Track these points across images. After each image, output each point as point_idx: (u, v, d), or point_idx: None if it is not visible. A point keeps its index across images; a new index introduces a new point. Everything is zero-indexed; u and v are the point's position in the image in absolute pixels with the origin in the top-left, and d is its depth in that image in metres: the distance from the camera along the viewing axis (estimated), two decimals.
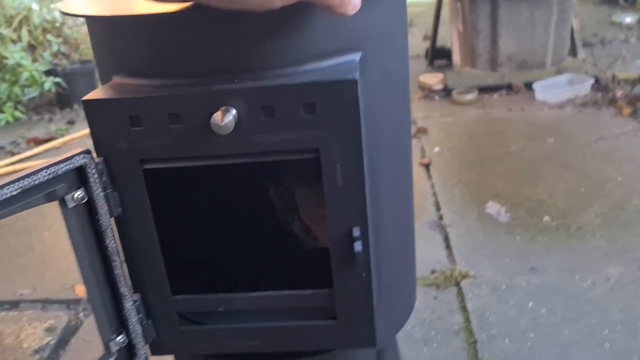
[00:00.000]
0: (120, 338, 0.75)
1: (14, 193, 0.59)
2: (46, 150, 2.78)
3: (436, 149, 2.33)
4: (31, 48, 3.60)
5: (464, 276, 1.48)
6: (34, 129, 3.19)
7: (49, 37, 3.62)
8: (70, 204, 0.66)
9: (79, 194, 0.66)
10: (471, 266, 1.53)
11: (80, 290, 1.59)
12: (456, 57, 3.05)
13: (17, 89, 3.36)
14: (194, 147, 0.68)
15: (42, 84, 3.35)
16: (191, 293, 0.79)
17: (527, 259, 1.54)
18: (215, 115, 0.64)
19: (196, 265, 0.82)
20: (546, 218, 1.74)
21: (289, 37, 0.67)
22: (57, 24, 3.73)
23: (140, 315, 0.76)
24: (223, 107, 0.65)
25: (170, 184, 0.76)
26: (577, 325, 1.26)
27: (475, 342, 1.25)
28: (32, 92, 3.50)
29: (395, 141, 0.81)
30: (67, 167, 0.64)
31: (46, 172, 0.62)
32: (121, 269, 0.73)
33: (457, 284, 1.46)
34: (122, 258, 0.74)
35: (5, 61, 3.34)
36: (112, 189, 0.70)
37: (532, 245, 1.61)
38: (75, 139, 2.90)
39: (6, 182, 0.59)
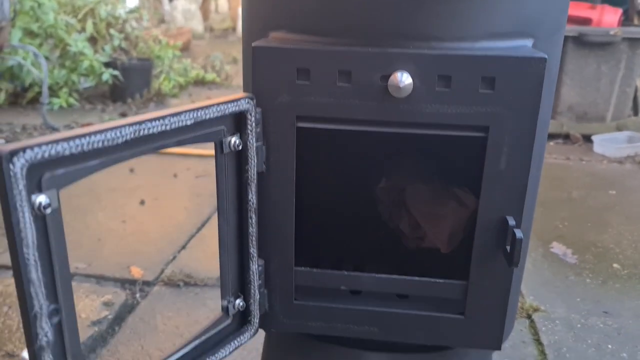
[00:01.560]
0: (239, 302, 0.71)
1: (189, 123, 0.57)
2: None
3: None
4: (93, 40, 3.66)
5: (535, 309, 1.43)
6: (86, 116, 3.22)
7: (112, 31, 3.68)
8: (226, 150, 0.64)
9: (235, 140, 0.64)
10: (541, 301, 1.47)
11: (136, 272, 1.56)
12: None
13: (75, 76, 3.41)
14: (359, 110, 0.65)
15: (100, 75, 3.39)
16: (309, 266, 0.75)
17: (599, 302, 1.48)
18: (393, 75, 0.62)
19: (319, 239, 0.79)
20: (616, 265, 1.69)
21: (468, 12, 0.65)
22: (121, 21, 3.80)
23: (260, 281, 0.73)
24: (399, 70, 0.63)
25: (315, 147, 0.73)
26: None
27: None
28: (89, 82, 3.55)
29: (539, 139, 0.78)
30: (233, 108, 0.62)
31: (216, 108, 0.60)
32: (254, 229, 0.70)
33: (529, 317, 1.40)
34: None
35: (68, 48, 3.40)
36: (262, 142, 0.68)
37: (603, 289, 1.55)
38: None
39: (182, 110, 0.57)
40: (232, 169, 0.66)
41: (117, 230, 1.83)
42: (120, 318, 1.36)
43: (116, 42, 3.63)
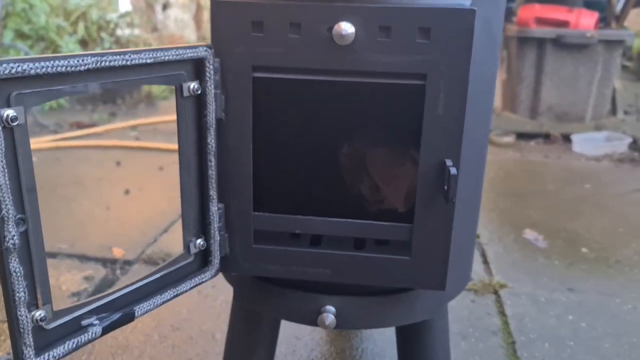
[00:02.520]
0: (200, 241, 0.77)
1: (149, 61, 0.63)
2: (89, 134, 2.84)
3: None
4: (84, 43, 3.73)
5: (502, 286, 1.48)
6: (76, 116, 3.27)
7: (103, 34, 3.75)
8: (186, 93, 0.69)
9: (194, 85, 0.69)
10: (509, 280, 1.52)
11: (118, 252, 1.61)
12: (497, 102, 3.11)
13: None
14: (308, 59, 0.71)
15: None
16: (268, 211, 0.80)
17: (565, 281, 1.53)
18: (337, 25, 0.68)
19: (276, 185, 0.84)
20: (584, 249, 1.74)
21: None
22: (112, 24, 3.87)
23: (220, 224, 0.78)
24: (344, 21, 0.69)
25: (271, 96, 0.79)
26: (619, 341, 1.25)
27: (513, 342, 1.24)
28: None
29: (483, 92, 0.84)
30: (191, 53, 0.68)
31: (175, 51, 0.66)
32: (214, 172, 0.75)
33: (495, 292, 1.46)
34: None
35: (59, 50, 3.46)
36: (221, 91, 0.73)
37: (570, 270, 1.60)
38: (118, 128, 2.97)
39: (142, 49, 0.62)
40: (192, 113, 0.72)
41: (101, 216, 1.88)
42: (100, 291, 1.40)
43: (107, 45, 3.69)
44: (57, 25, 3.52)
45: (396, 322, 0.88)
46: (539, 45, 2.91)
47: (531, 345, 1.23)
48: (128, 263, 1.56)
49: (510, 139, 2.92)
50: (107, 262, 1.56)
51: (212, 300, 1.37)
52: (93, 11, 3.77)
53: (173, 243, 1.68)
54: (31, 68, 0.52)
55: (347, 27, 0.68)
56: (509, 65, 3.13)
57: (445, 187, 0.71)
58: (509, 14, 3.47)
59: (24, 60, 0.52)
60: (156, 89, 3.88)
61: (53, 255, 1.57)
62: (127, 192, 2.10)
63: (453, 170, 0.69)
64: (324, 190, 0.84)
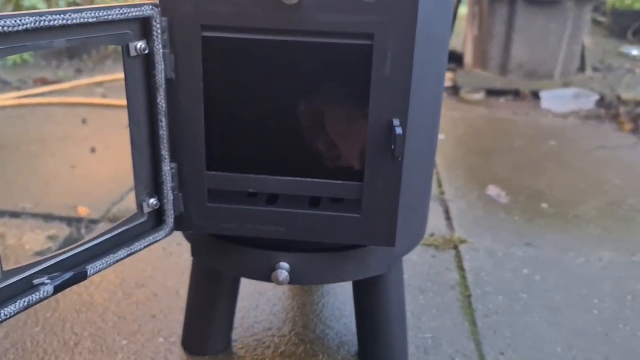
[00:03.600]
0: (152, 200, 0.77)
1: (91, 20, 0.62)
2: (53, 91, 2.78)
3: (441, 136, 2.37)
4: None
5: (462, 241, 1.52)
6: (41, 72, 3.19)
7: None
8: (133, 53, 0.69)
9: (141, 44, 0.69)
10: (469, 235, 1.57)
11: (83, 211, 1.61)
12: (468, 58, 3.11)
13: None
14: (257, 18, 0.71)
15: None
16: (222, 171, 0.81)
17: (523, 236, 1.58)
18: None
19: (230, 145, 0.85)
20: (544, 205, 1.79)
21: None
22: None
23: (173, 183, 0.79)
24: None
25: (221, 56, 0.78)
26: (569, 292, 1.31)
27: (469, 295, 1.29)
28: None
29: (435, 54, 0.85)
30: (136, 12, 0.67)
31: (119, 10, 0.65)
32: (165, 132, 0.75)
33: (455, 247, 1.50)
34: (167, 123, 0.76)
35: (20, 2, 3.34)
36: (170, 50, 0.73)
37: (529, 225, 1.65)
38: (83, 84, 2.91)
39: (84, 8, 0.61)
40: (141, 72, 0.71)
41: (66, 174, 1.86)
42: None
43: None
44: None
45: (349, 277, 0.90)
46: (510, 1, 2.90)
47: (486, 298, 1.28)
48: (93, 222, 1.56)
49: (479, 95, 2.94)
50: (72, 220, 1.56)
51: (176, 257, 1.39)
52: None
53: None
54: None
55: None
56: (480, 22, 3.12)
57: (392, 147, 0.73)
58: None
59: None
60: None
61: (17, 214, 1.56)
62: (93, 150, 2.08)
63: (399, 130, 0.71)
64: (278, 148, 0.85)
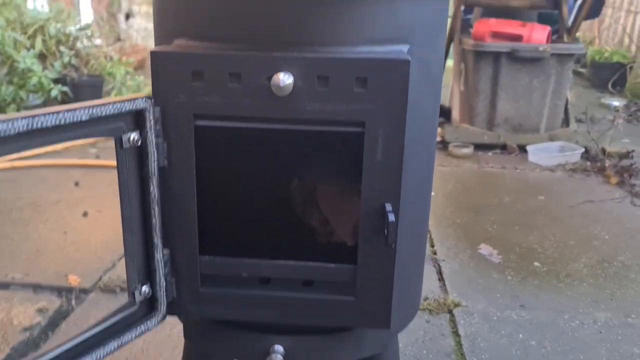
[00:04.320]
0: (145, 288, 0.77)
1: (84, 118, 0.63)
2: (46, 153, 2.79)
3: (432, 193, 2.39)
4: (43, 57, 3.65)
5: (457, 305, 1.51)
6: None
7: (62, 48, 3.68)
8: (126, 145, 0.69)
9: (134, 136, 0.70)
10: (463, 297, 1.56)
11: (74, 280, 1.59)
12: (455, 114, 3.17)
13: (23, 93, 3.40)
14: (249, 108, 0.72)
15: (49, 91, 3.39)
16: (215, 255, 0.81)
17: (517, 297, 1.57)
18: (275, 75, 0.69)
19: (222, 229, 0.85)
20: (536, 264, 1.79)
21: (346, 20, 0.73)
22: (72, 38, 3.81)
23: (166, 270, 0.79)
24: (283, 71, 0.70)
25: (214, 144, 0.80)
26: (566, 358, 1.29)
27: None
28: (38, 98, 3.53)
29: (425, 132, 0.86)
30: (130, 106, 0.68)
31: (112, 106, 0.66)
32: (157, 220, 0.75)
33: (450, 312, 1.49)
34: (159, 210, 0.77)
35: (16, 64, 3.39)
36: (163, 139, 0.74)
37: (522, 285, 1.65)
38: (77, 145, 2.92)
39: (77, 106, 0.62)
40: (133, 163, 0.72)
41: (58, 241, 1.85)
42: (54, 324, 1.39)
43: (66, 59, 3.63)
44: (14, 39, 3.45)
45: (345, 359, 0.89)
46: (495, 58, 2.98)
47: None
48: (84, 291, 1.54)
49: (468, 150, 2.98)
50: (63, 290, 1.54)
51: (169, 329, 1.36)
52: (51, 25, 3.70)
53: None
54: None
55: (285, 78, 0.69)
56: (466, 78, 3.19)
57: (386, 232, 0.73)
58: (467, 26, 3.55)
59: None
60: None
61: (6, 285, 1.54)
62: (85, 214, 2.07)
63: (391, 217, 0.71)
64: (271, 231, 0.85)
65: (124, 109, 0.67)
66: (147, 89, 4.32)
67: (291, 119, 0.73)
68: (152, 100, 0.71)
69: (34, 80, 3.36)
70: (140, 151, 0.72)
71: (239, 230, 0.84)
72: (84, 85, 3.57)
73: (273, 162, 0.81)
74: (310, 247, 0.84)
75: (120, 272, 1.65)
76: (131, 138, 0.70)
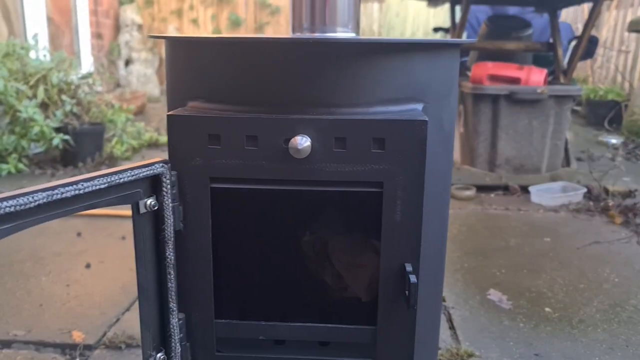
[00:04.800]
0: (160, 355, 0.75)
1: (102, 187, 0.62)
2: None
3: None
4: (44, 106, 3.68)
5: (470, 355, 1.48)
6: (36, 182, 3.20)
7: (64, 97, 3.72)
8: (142, 210, 0.69)
9: (151, 201, 0.69)
10: (476, 347, 1.53)
11: (78, 336, 1.55)
12: (456, 156, 3.18)
13: (25, 142, 3.41)
14: (265, 170, 0.72)
15: (50, 140, 3.41)
16: (230, 319, 0.80)
17: (531, 345, 1.54)
18: (293, 139, 0.69)
19: (237, 291, 0.84)
20: (548, 309, 1.77)
21: (360, 81, 0.74)
22: (73, 86, 3.85)
23: (181, 335, 0.77)
24: (300, 134, 0.70)
25: (229, 205, 0.79)
26: None
27: None
28: (39, 147, 3.55)
29: (439, 188, 0.86)
30: (147, 172, 0.67)
31: (130, 172, 0.65)
32: (173, 284, 0.74)
33: None
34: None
35: (18, 114, 3.41)
36: (179, 203, 0.73)
37: (535, 332, 1.62)
38: None
39: (96, 175, 0.62)
40: (150, 228, 0.71)
41: (60, 294, 1.81)
42: None
43: (68, 108, 3.66)
44: (16, 89, 3.48)
45: None
46: (494, 101, 3.02)
47: None
48: (88, 348, 1.50)
49: (471, 192, 2.98)
50: (67, 348, 1.50)
51: None
52: (53, 74, 3.74)
53: (136, 322, 1.63)
54: None
55: (302, 141, 0.69)
56: (465, 120, 3.22)
57: (407, 293, 0.72)
58: (464, 68, 3.60)
59: None
60: (118, 149, 3.85)
61: (8, 344, 1.51)
62: (87, 266, 2.04)
63: (413, 279, 0.70)
64: (288, 293, 0.83)
65: (141, 175, 0.67)
66: (148, 135, 4.35)
67: (308, 181, 0.73)
68: (169, 164, 0.70)
69: (36, 129, 3.38)
70: (157, 215, 0.71)
71: (255, 292, 0.83)
72: (86, 133, 3.59)
73: (287, 221, 0.80)
74: (327, 306, 0.83)
75: (124, 326, 1.62)
76: (148, 204, 0.69)
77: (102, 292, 1.84)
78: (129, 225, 2.43)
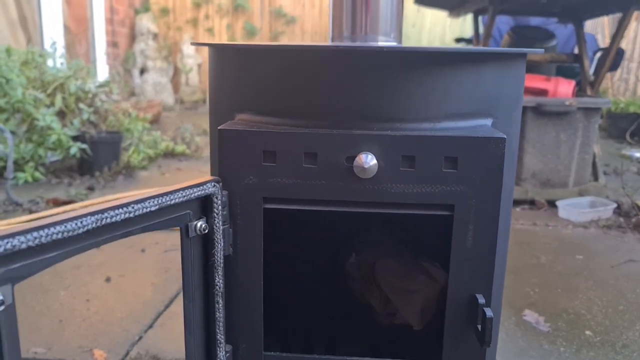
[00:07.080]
0: None
1: (153, 209, 0.56)
2: (65, 212, 2.73)
3: None
4: (62, 114, 3.66)
5: None
6: (53, 190, 3.16)
7: (81, 105, 3.69)
8: (192, 234, 0.63)
9: (201, 224, 0.63)
10: None
11: (99, 355, 1.49)
12: None
13: (42, 151, 3.38)
14: (325, 190, 0.66)
15: (68, 149, 3.37)
16: (278, 351, 0.73)
17: None
18: (359, 157, 0.63)
19: (290, 322, 0.77)
20: (588, 332, 1.68)
21: (428, 95, 0.68)
22: (91, 95, 3.82)
23: None
24: (364, 152, 0.64)
25: (281, 228, 0.73)
26: None
27: None
28: (56, 155, 3.51)
29: (505, 212, 0.79)
30: (199, 192, 0.61)
31: (182, 193, 0.60)
32: (221, 314, 0.68)
33: None
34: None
35: (35, 122, 3.38)
36: (229, 225, 0.67)
37: (577, 357, 1.54)
38: (95, 204, 2.87)
39: (146, 196, 0.56)
40: (198, 252, 0.65)
41: (80, 310, 1.76)
42: None
43: (85, 116, 3.63)
44: (34, 97, 3.45)
45: None
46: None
47: None
48: None
49: None
50: None
51: None
52: (71, 82, 3.71)
53: (159, 341, 1.57)
54: (22, 242, 0.45)
55: (368, 159, 0.63)
56: None
57: (479, 327, 0.65)
58: None
59: (13, 235, 0.45)
60: (135, 158, 3.81)
61: None
62: (107, 279, 1.99)
63: (489, 312, 0.63)
64: (342, 324, 0.77)
65: (192, 196, 0.61)
66: (164, 144, 4.31)
67: (372, 202, 0.66)
68: (221, 184, 0.64)
69: (53, 137, 3.35)
70: (206, 239, 0.65)
71: (307, 323, 0.76)
72: (103, 142, 3.56)
73: (345, 247, 0.74)
74: (375, 335, 0.76)
75: (148, 345, 1.55)
76: (198, 226, 0.63)
77: (123, 307, 1.78)
78: (148, 238, 2.38)
